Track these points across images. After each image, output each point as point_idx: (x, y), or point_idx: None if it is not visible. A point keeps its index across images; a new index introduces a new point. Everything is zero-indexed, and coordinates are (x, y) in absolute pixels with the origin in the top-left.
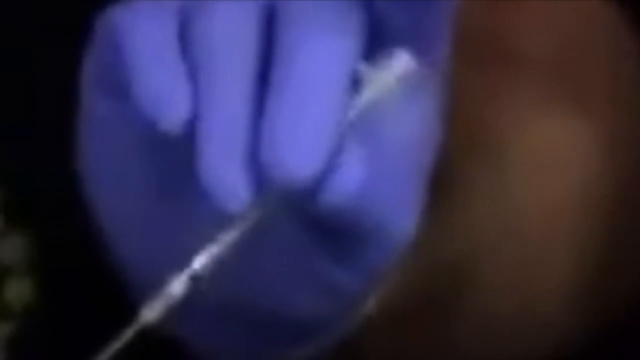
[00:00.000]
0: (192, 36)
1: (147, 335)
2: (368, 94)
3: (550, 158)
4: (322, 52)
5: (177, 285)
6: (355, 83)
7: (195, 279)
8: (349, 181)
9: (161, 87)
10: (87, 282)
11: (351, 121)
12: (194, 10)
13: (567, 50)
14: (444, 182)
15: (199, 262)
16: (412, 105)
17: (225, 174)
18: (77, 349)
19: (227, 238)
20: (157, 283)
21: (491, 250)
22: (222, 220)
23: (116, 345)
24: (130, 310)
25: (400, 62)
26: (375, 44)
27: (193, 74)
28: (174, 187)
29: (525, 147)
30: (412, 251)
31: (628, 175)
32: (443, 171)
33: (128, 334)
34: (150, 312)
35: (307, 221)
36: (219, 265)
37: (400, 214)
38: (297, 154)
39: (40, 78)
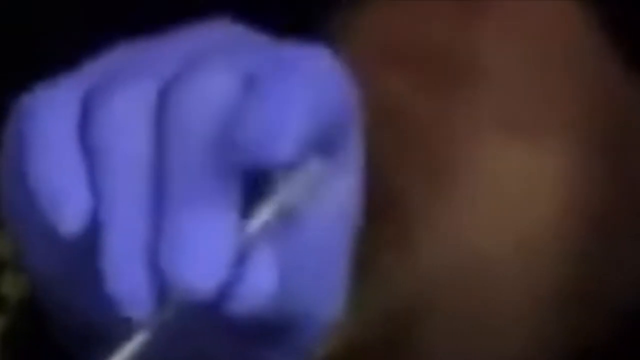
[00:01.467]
0: (90, 128)
1: None
2: (278, 198)
3: (514, 190)
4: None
5: None
6: (267, 186)
7: None
8: (258, 287)
9: (59, 185)
10: None
11: (261, 226)
12: (95, 95)
13: (532, 65)
14: (390, 218)
15: None
16: (324, 196)
17: (126, 282)
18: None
19: (135, 342)
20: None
21: (443, 290)
22: (127, 325)
23: None
24: None
25: (310, 170)
26: None
27: (91, 171)
28: (82, 279)
29: (485, 178)
30: (364, 291)
31: (601, 208)
32: (389, 207)
33: None
34: None
35: (223, 323)
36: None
37: (324, 298)
38: (197, 269)
39: None
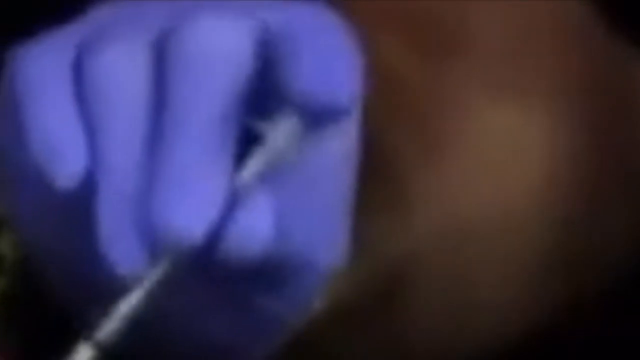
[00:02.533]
0: (84, 79)
1: None
2: (267, 148)
3: (499, 155)
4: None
5: (83, 355)
6: (255, 137)
7: (100, 345)
8: (251, 229)
9: (53, 135)
10: None
11: (254, 172)
12: (86, 48)
13: (519, 33)
14: (383, 180)
15: (104, 331)
16: (318, 145)
17: (118, 239)
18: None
19: (130, 301)
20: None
21: (433, 252)
22: (120, 283)
23: None
24: None
25: (288, 124)
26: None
27: (86, 121)
28: (75, 235)
29: (472, 142)
30: (355, 251)
31: (586, 174)
32: (382, 169)
33: None
34: None
35: (217, 270)
36: (136, 318)
37: (324, 245)
38: (183, 214)
39: None
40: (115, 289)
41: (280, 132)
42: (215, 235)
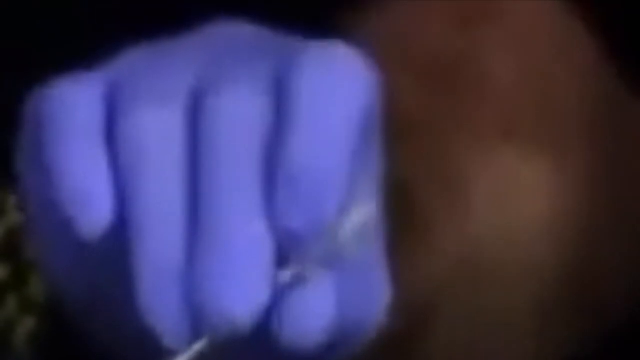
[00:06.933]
0: (117, 136)
1: None
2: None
3: (512, 194)
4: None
5: None
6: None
7: None
8: (316, 310)
9: (82, 182)
10: None
11: (318, 261)
12: (121, 104)
13: (532, 76)
14: (407, 220)
15: None
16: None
17: (164, 313)
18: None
19: None
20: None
21: (452, 292)
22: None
23: None
24: None
25: (362, 212)
26: None
27: (118, 176)
28: (107, 285)
29: (486, 181)
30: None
31: (595, 213)
32: (406, 209)
33: None
34: None
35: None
36: None
37: (375, 310)
38: (232, 297)
39: None
40: (153, 345)
41: (349, 224)
42: (274, 315)
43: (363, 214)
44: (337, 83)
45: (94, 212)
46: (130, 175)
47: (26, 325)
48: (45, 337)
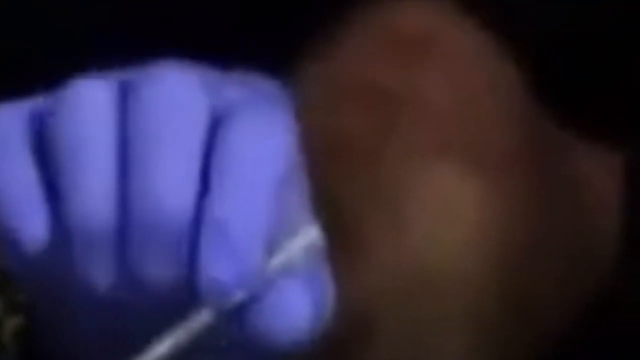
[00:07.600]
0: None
1: None
2: (279, 259)
3: (446, 208)
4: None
5: None
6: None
7: None
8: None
9: (15, 203)
10: None
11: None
12: (46, 115)
13: (465, 100)
14: (343, 235)
15: None
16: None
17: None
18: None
19: (159, 349)
20: None
21: (390, 304)
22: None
23: None
24: None
25: (308, 235)
26: None
27: (50, 182)
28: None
29: (422, 196)
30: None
31: (527, 229)
32: (341, 225)
33: None
34: None
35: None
36: None
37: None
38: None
39: None
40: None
41: (297, 245)
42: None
43: (309, 236)
44: (262, 143)
45: (29, 231)
46: (61, 172)
47: (12, 326)
48: (31, 335)
